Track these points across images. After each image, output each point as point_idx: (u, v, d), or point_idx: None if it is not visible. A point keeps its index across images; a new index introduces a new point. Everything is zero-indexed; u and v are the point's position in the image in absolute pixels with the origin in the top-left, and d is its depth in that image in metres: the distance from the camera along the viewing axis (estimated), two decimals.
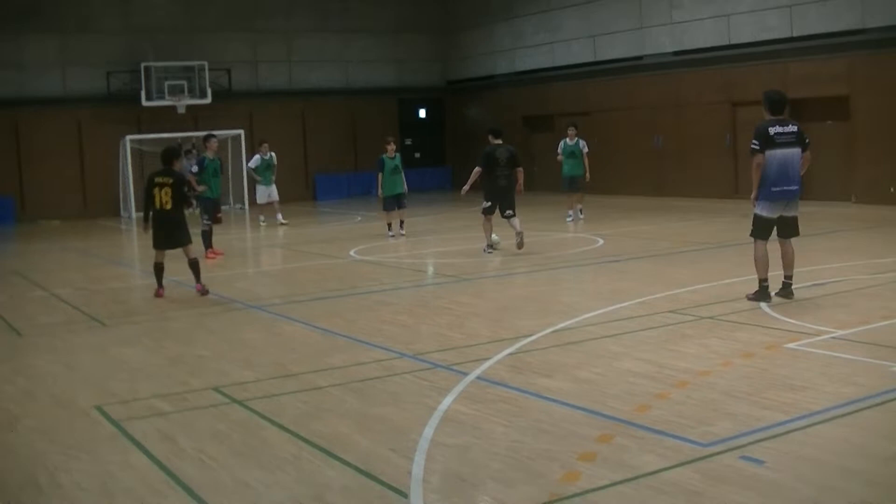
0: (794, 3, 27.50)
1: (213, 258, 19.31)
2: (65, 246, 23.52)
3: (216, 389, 8.94)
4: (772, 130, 11.75)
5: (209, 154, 19.98)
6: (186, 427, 7.87)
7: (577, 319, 11.38)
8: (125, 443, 7.55)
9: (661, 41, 31.74)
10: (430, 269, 17.59)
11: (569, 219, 24.05)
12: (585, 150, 24.08)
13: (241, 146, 34.35)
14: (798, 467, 6.37)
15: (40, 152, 33.69)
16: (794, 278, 12.19)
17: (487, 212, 18.42)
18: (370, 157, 37.99)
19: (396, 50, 40.84)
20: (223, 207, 22.20)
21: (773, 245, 12.08)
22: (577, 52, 35.07)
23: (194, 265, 14.70)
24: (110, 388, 9.24)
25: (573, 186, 24.11)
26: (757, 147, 11.76)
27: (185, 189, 14.72)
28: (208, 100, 34.74)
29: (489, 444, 7.04)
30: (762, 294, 11.95)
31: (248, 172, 27.29)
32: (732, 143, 29.19)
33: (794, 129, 11.91)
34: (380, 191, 21.99)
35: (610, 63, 33.57)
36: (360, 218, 28.77)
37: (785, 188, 11.81)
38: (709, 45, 30.08)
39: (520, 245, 17.89)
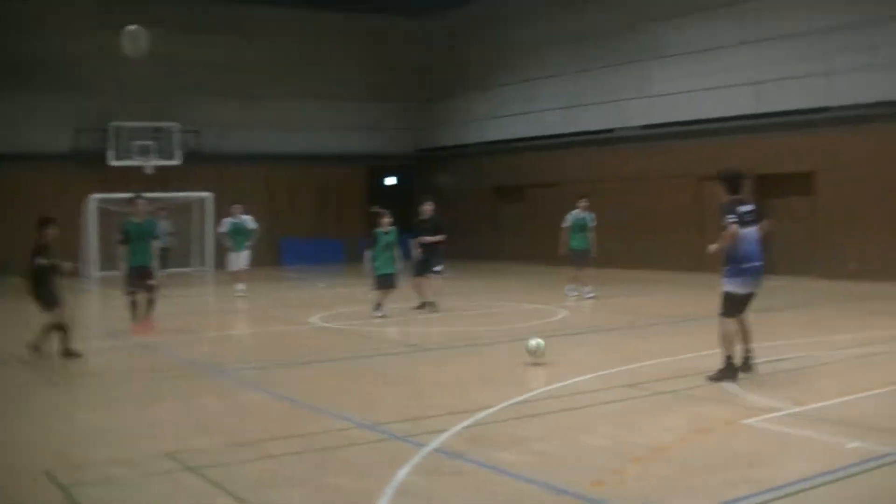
0: (760, 81, 27.97)
1: (138, 332, 17.52)
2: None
3: (170, 456, 8.81)
4: (741, 209, 11.87)
5: (135, 217, 18.08)
6: (137, 494, 7.77)
7: (536, 392, 11.35)
8: None
9: (634, 115, 32.09)
10: (394, 338, 17.50)
11: (573, 293, 22.62)
12: (593, 223, 23.01)
13: (209, 209, 34.36)
14: None
15: (5, 208, 33.57)
16: (755, 352, 12.26)
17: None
18: (338, 223, 38.29)
19: (369, 117, 41.12)
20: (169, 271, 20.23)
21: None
22: (550, 124, 35.36)
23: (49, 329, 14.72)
24: (63, 452, 9.12)
25: (583, 261, 22.74)
26: (735, 220, 11.69)
27: (33, 258, 14.55)
28: (177, 161, 34.77)
29: None
30: (729, 372, 11.80)
31: (218, 238, 25.76)
32: (699, 217, 29.47)
33: (754, 206, 12.08)
34: (368, 267, 19.79)
35: (581, 135, 33.86)
36: (324, 284, 28.71)
37: (755, 264, 11.88)
38: (679, 119, 30.45)
39: None
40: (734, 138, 28.54)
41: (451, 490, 7.63)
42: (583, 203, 22.90)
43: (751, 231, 11.87)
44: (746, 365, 12.09)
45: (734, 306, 11.97)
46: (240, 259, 24.91)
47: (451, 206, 39.04)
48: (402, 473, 7.99)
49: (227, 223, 25.04)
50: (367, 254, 19.68)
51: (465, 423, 9.75)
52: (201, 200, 34.91)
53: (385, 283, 19.71)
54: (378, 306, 19.58)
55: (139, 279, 17.84)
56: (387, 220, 19.79)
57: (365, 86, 41.04)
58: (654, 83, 31.44)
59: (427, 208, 21.12)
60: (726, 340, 11.91)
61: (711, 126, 29.42)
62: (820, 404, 10.36)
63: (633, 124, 32.21)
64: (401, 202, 41.50)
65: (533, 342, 13.56)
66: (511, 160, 37.15)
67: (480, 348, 15.63)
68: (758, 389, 11.19)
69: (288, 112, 39.20)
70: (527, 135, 36.58)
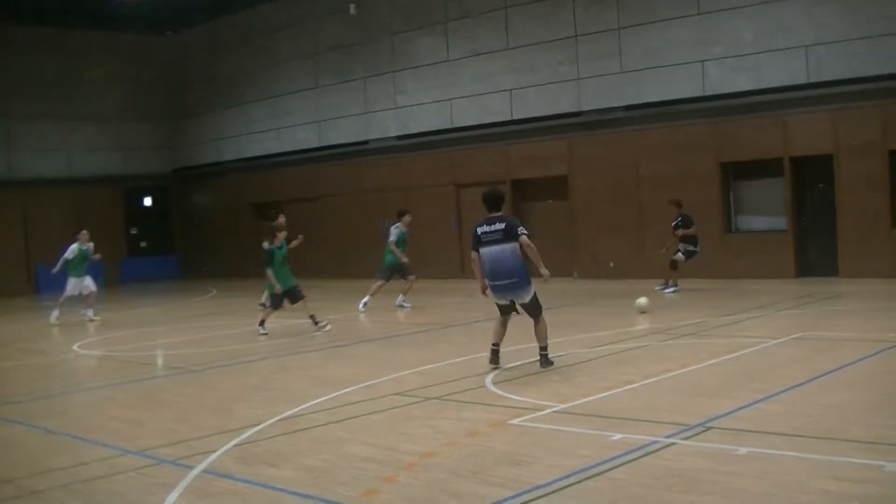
0: (514, 87, 28.63)
1: None
2: None
3: None
4: (479, 230, 12.77)
5: None
6: None
7: (303, 406, 11.35)
8: None
9: (386, 125, 32.42)
10: (159, 362, 17.24)
11: (407, 305, 22.85)
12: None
13: None
14: None
15: None
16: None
17: None
18: (96, 246, 37.28)
19: (122, 138, 40.22)
20: None
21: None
22: (303, 138, 35.43)
23: None
24: None
25: (402, 273, 22.81)
26: (473, 247, 12.81)
27: None
28: None
29: None
30: (492, 357, 12.90)
31: (61, 264, 24.45)
32: (458, 224, 29.98)
33: (501, 226, 12.64)
34: (276, 285, 18.53)
35: (336, 148, 34.02)
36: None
37: (497, 283, 12.77)
38: (432, 128, 30.91)
39: None
40: (490, 145, 29.20)
41: None
42: (406, 218, 22.87)
43: (491, 251, 12.64)
44: (543, 361, 13.02)
45: (498, 308, 13.09)
46: (86, 283, 24.47)
47: (209, 225, 38.76)
48: (171, 498, 7.89)
49: (74, 249, 24.23)
50: (269, 272, 18.46)
51: (234, 441, 9.70)
52: None
53: (279, 301, 18.82)
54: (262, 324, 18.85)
55: None
56: (281, 234, 18.85)
57: (118, 104, 40.11)
58: (407, 93, 31.82)
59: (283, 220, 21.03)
60: (492, 332, 13.10)
61: (466, 134, 29.98)
62: (583, 400, 10.72)
63: (387, 135, 32.52)
64: (159, 222, 40.96)
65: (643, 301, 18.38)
66: (267, 176, 37.02)
67: (246, 365, 15.53)
68: (523, 390, 11.52)
69: (38, 134, 37.88)
70: (280, 150, 36.56)
